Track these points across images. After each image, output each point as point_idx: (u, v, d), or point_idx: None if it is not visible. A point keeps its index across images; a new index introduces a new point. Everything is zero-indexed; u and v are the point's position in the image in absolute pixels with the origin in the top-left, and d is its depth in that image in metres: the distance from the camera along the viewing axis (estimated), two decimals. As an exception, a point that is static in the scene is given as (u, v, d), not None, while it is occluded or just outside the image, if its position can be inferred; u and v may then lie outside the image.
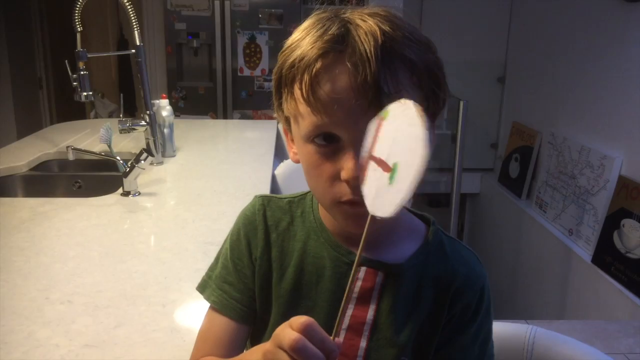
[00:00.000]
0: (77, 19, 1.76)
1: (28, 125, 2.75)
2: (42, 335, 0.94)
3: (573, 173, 2.82)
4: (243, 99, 3.61)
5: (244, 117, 3.60)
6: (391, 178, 0.54)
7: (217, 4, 3.43)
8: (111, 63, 3.93)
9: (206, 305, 0.77)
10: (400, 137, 0.55)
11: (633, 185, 2.35)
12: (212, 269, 0.79)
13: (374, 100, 0.58)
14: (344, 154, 0.61)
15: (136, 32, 1.83)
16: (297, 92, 0.63)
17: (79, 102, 1.86)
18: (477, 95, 3.71)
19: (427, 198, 3.78)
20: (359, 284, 0.70)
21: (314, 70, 0.60)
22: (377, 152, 0.56)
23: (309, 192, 0.78)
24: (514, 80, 3.75)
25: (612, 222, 2.43)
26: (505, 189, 3.56)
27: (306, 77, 0.61)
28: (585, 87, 2.84)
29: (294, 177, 1.89)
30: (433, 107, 0.65)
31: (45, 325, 0.96)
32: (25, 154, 2.02)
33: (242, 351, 0.75)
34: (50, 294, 1.07)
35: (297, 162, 0.71)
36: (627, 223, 2.34)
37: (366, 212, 0.60)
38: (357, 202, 0.60)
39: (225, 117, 3.58)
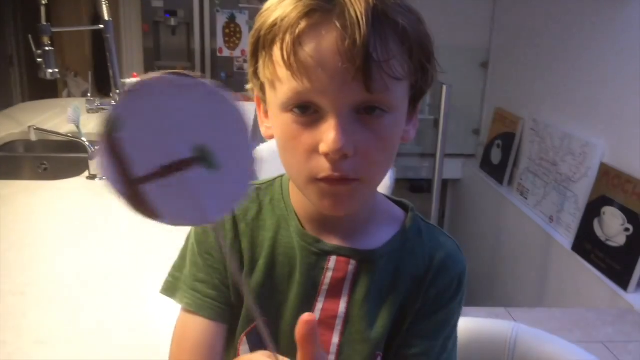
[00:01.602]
0: (42, -9, 1.66)
1: (0, 105, 2.65)
2: (-10, 330, 0.87)
3: (555, 160, 2.80)
4: (222, 81, 3.52)
5: (222, 98, 3.52)
6: (213, 171, 0.42)
7: (196, -19, 3.33)
8: (85, 41, 3.81)
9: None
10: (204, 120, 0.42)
11: (614, 173, 2.33)
12: (177, 268, 0.72)
13: (361, 67, 0.53)
14: (324, 124, 0.56)
15: (104, 7, 1.74)
16: (276, 54, 0.57)
17: (51, 81, 1.78)
18: (460, 80, 3.65)
19: (408, 184, 3.75)
20: (329, 274, 0.66)
21: (297, 30, 0.55)
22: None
23: (277, 177, 0.72)
24: (497, 66, 3.71)
25: (593, 209, 2.42)
26: (487, 175, 3.54)
27: (288, 37, 0.55)
28: (568, 74, 2.81)
29: (271, 160, 1.83)
30: (421, 82, 0.61)
31: (-6, 319, 0.90)
32: (-13, 134, 1.93)
33: (222, 353, 0.69)
34: (1, 284, 1.00)
35: (270, 137, 0.65)
36: (608, 211, 2.33)
37: (345, 191, 0.56)
38: (335, 180, 0.57)
39: (203, 98, 3.50)
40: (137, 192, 0.43)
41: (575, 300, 2.48)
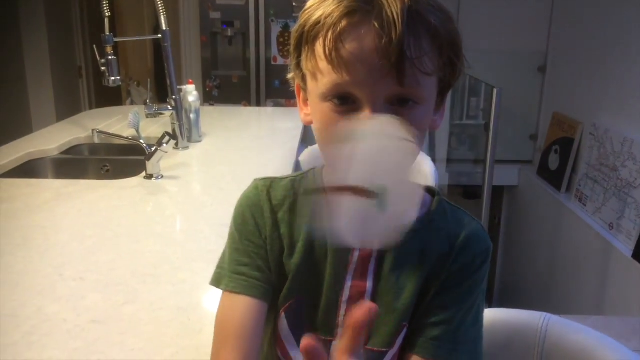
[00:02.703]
0: (106, 4, 1.77)
1: (68, 114, 2.82)
2: (52, 310, 0.95)
3: (615, 165, 2.70)
4: (276, 88, 3.60)
5: (277, 106, 3.60)
6: (380, 205, 0.51)
7: (251, -8, 3.43)
8: (147, 52, 3.99)
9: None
10: (381, 157, 0.52)
11: (678, 178, 2.23)
12: (222, 261, 0.77)
13: (395, 63, 0.59)
14: (360, 113, 0.61)
15: (162, 17, 1.84)
16: (319, 49, 0.63)
17: (116, 90, 1.89)
18: (516, 85, 3.59)
19: (462, 190, 3.70)
20: (356, 254, 0.70)
21: (339, 28, 0.60)
22: (354, 180, 0.54)
23: (310, 170, 0.78)
24: (555, 70, 3.61)
25: (655, 216, 2.32)
26: (544, 182, 3.44)
27: (330, 34, 0.61)
28: (627, 77, 2.71)
29: (318, 163, 1.87)
30: (449, 76, 0.66)
31: (56, 301, 0.97)
32: (56, 137, 2.06)
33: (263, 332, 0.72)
34: (64, 270, 1.08)
35: (309, 123, 0.71)
36: (671, 217, 2.22)
37: None
38: None
39: (258, 105, 3.59)
40: None
41: (635, 309, 2.38)
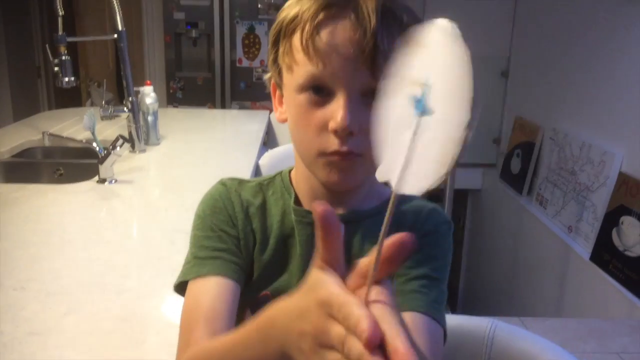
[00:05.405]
0: (59, 2, 1.72)
1: (26, 115, 2.73)
2: (-13, 321, 0.90)
3: (574, 169, 2.75)
4: (242, 90, 3.57)
5: (242, 108, 3.56)
6: (432, 139, 0.38)
7: (216, -7, 3.39)
8: (109, 52, 3.91)
9: (160, 293, 0.73)
10: (442, 73, 0.40)
11: (633, 182, 2.28)
12: (187, 259, 0.73)
13: (369, 55, 0.62)
14: (334, 104, 0.63)
15: (118, 17, 1.79)
16: (296, 41, 0.65)
17: (76, 91, 1.84)
18: (480, 89, 3.64)
19: (426, 193, 3.72)
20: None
21: (316, 20, 0.63)
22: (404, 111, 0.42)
23: (277, 174, 0.78)
24: (517, 75, 3.67)
25: (612, 219, 2.36)
26: (507, 185, 3.49)
27: (308, 26, 0.63)
28: (587, 83, 2.77)
29: (279, 166, 1.84)
30: None
31: (-7, 312, 0.93)
32: (8, 140, 2.00)
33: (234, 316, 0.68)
34: (4, 279, 1.03)
35: (283, 121, 0.72)
36: (626, 220, 2.27)
37: (350, 165, 0.63)
38: (343, 154, 0.63)
39: (223, 107, 3.55)
40: None
41: (593, 311, 2.42)
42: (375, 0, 0.63)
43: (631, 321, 2.06)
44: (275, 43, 0.69)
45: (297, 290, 0.44)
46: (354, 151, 0.64)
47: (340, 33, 0.62)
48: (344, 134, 0.62)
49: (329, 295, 0.39)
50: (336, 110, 0.63)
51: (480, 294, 3.86)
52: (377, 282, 0.40)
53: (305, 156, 0.69)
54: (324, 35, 0.63)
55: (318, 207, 0.40)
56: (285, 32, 0.67)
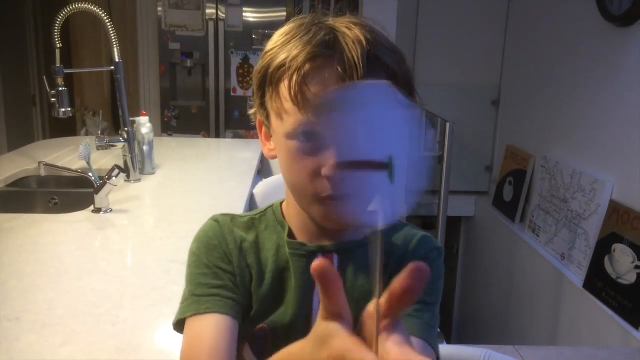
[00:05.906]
0: (57, 35, 1.75)
1: (21, 143, 2.74)
2: (-18, 353, 0.90)
3: (565, 197, 2.77)
4: (236, 119, 3.60)
5: (236, 137, 3.59)
6: (391, 175, 0.45)
7: (211, 24, 3.44)
8: (104, 81, 3.95)
9: (155, 324, 0.73)
10: (386, 124, 0.46)
11: (624, 210, 2.31)
12: (185, 297, 0.73)
13: None
14: (326, 151, 0.64)
15: (115, 49, 1.82)
16: (284, 91, 0.66)
17: (71, 121, 1.85)
18: (472, 118, 3.70)
19: (420, 220, 3.74)
20: None
21: (303, 71, 0.64)
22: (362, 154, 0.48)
23: (268, 207, 0.79)
24: (508, 104, 3.73)
25: (604, 246, 2.38)
26: (499, 213, 3.51)
27: (295, 77, 0.64)
28: (577, 112, 2.81)
29: (273, 196, 1.86)
30: None
31: (-13, 344, 0.93)
32: (3, 169, 2.00)
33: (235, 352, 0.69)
34: (-1, 310, 1.03)
35: (273, 158, 0.73)
36: (618, 248, 2.29)
37: (345, 209, 0.60)
38: (337, 197, 0.64)
39: (217, 136, 3.57)
40: None
41: (586, 339, 2.42)
42: (360, 48, 0.63)
43: (626, 349, 2.06)
44: (261, 87, 0.70)
45: (306, 341, 0.45)
46: (348, 193, 0.65)
47: (328, 84, 0.63)
48: (337, 179, 0.63)
49: (342, 352, 0.40)
50: (328, 157, 0.63)
51: (475, 321, 3.85)
52: (392, 321, 0.41)
53: (299, 198, 0.71)
54: (312, 86, 0.64)
55: (315, 264, 0.41)
56: (271, 79, 0.67)
